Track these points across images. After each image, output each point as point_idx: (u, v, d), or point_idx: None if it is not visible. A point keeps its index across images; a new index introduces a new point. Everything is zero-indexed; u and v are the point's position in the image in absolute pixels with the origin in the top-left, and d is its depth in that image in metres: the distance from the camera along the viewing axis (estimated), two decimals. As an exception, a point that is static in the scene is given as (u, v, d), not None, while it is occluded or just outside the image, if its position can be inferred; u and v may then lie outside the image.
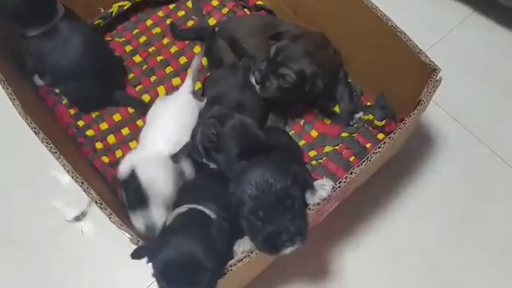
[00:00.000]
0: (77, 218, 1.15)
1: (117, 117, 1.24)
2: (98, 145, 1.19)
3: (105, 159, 1.17)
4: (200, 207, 0.88)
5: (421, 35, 1.06)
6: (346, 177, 0.84)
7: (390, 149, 0.94)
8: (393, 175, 1.19)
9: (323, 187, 0.83)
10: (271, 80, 1.11)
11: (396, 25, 0.99)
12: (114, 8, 1.33)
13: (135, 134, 1.20)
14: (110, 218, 0.84)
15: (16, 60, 1.15)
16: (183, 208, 0.89)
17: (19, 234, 1.15)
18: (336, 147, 1.16)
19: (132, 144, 1.20)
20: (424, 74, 0.95)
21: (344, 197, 0.99)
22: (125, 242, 0.85)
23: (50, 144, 0.91)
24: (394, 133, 0.88)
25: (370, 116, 1.15)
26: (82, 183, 0.87)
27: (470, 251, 1.11)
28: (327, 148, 1.16)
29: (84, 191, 0.87)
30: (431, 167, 1.21)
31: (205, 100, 1.15)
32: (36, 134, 0.92)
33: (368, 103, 1.22)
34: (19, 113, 0.95)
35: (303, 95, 1.13)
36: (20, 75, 1.15)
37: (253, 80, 1.13)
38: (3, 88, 0.97)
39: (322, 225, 1.08)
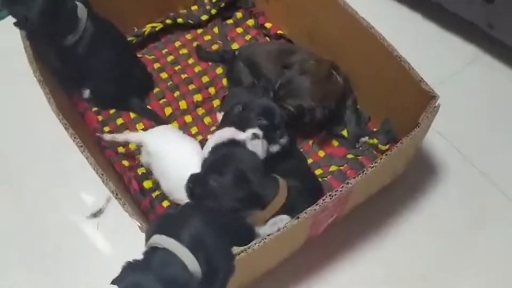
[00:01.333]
0: (95, 215, 1.23)
1: (139, 126, 1.34)
2: (120, 149, 1.29)
3: (125, 162, 1.26)
4: (178, 255, 0.82)
5: (432, 71, 1.12)
6: (342, 187, 0.91)
7: (388, 167, 1.00)
8: (394, 200, 1.23)
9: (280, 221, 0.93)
10: None
11: (400, 55, 1.07)
12: (147, 28, 1.46)
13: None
14: (124, 207, 0.92)
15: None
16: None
17: (36, 226, 1.23)
18: (341, 167, 1.23)
19: (151, 151, 1.30)
20: (424, 101, 1.02)
21: (341, 211, 1.05)
22: (136, 239, 0.91)
23: (77, 138, 1.00)
24: (391, 150, 0.95)
25: (375, 140, 1.22)
26: (102, 174, 0.96)
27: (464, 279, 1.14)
28: (333, 168, 1.23)
29: (103, 182, 0.95)
30: (432, 195, 1.25)
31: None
32: (66, 129, 1.02)
33: (375, 129, 1.28)
34: (53, 110, 1.05)
35: (306, 124, 1.21)
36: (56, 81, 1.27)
37: None
38: (41, 87, 1.08)
39: (322, 239, 1.14)
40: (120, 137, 1.22)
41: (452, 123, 1.35)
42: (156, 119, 1.33)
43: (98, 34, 1.23)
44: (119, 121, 1.35)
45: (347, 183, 0.91)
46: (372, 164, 0.93)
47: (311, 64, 1.23)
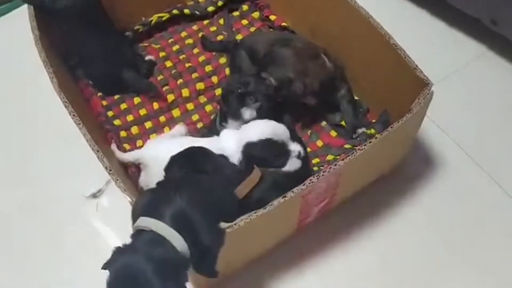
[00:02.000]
0: (94, 195, 1.26)
1: (142, 111, 1.37)
2: (123, 133, 1.32)
3: (126, 146, 1.29)
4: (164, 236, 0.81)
5: (436, 66, 1.12)
6: (330, 168, 0.92)
7: (379, 153, 1.01)
8: (391, 191, 1.23)
9: None
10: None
11: (397, 43, 1.08)
12: (154, 18, 1.49)
13: (156, 128, 1.34)
14: (116, 182, 0.95)
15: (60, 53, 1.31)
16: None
17: (40, 201, 1.27)
18: (338, 157, 1.23)
19: (152, 136, 1.32)
20: (419, 89, 1.02)
21: (333, 197, 1.05)
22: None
23: (76, 116, 1.03)
24: (381, 134, 0.95)
25: (372, 131, 1.22)
26: (98, 151, 0.99)
27: (462, 274, 1.14)
28: (329, 157, 1.24)
29: (98, 158, 0.98)
30: (429, 189, 1.25)
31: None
32: (66, 107, 1.05)
33: (373, 120, 1.29)
34: (55, 90, 1.09)
35: (286, 98, 1.22)
36: (63, 67, 1.31)
37: None
38: (44, 67, 1.12)
39: (316, 225, 1.15)
40: (119, 155, 1.20)
41: (454, 118, 1.35)
42: (152, 89, 1.36)
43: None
44: (123, 106, 1.38)
45: (335, 165, 0.92)
46: (361, 147, 0.94)
47: (298, 43, 1.26)
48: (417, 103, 0.98)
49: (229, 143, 1.08)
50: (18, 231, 1.25)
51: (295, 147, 1.09)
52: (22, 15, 1.24)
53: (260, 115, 1.16)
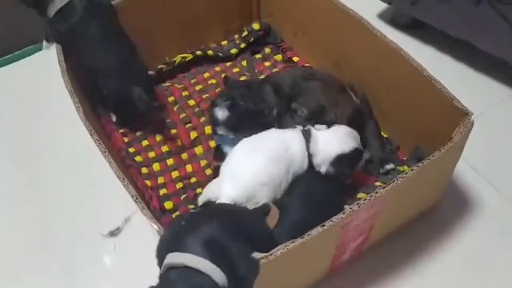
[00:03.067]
0: (112, 233, 1.20)
1: (164, 148, 1.33)
2: (144, 170, 1.28)
3: (148, 182, 1.24)
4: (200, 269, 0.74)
5: (473, 102, 1.08)
6: (371, 195, 0.86)
7: (419, 185, 0.96)
8: (424, 233, 1.16)
9: None
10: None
11: (431, 75, 1.05)
12: (178, 58, 1.50)
13: (178, 166, 1.30)
14: (142, 211, 0.89)
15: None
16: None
17: (55, 237, 1.21)
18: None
19: (174, 173, 1.28)
20: (458, 121, 0.99)
21: (370, 232, 0.99)
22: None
23: (101, 144, 1.00)
24: (423, 163, 0.90)
25: (405, 167, 1.17)
26: (123, 179, 0.94)
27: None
28: (360, 195, 1.18)
29: (124, 185, 0.93)
30: (464, 230, 1.18)
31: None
32: (91, 135, 1.02)
33: (404, 158, 1.24)
34: (80, 119, 1.06)
35: None
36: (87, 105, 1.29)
37: None
38: (70, 97, 1.10)
39: (346, 270, 1.07)
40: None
41: (485, 157, 1.30)
42: (153, 112, 1.32)
43: (86, 11, 1.20)
44: (145, 142, 1.35)
45: (376, 192, 0.86)
46: (402, 175, 0.89)
47: (324, 76, 1.26)
48: (458, 132, 0.94)
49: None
50: (30, 265, 1.17)
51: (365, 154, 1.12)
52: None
53: (234, 115, 1.13)
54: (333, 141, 1.07)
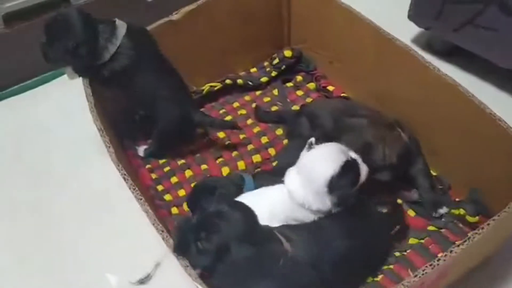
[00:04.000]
0: (142, 281, 1.10)
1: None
2: (174, 210, 1.19)
3: (178, 224, 1.15)
4: None
5: None
6: (445, 255, 0.77)
7: (493, 238, 0.87)
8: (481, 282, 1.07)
9: None
10: None
11: (494, 113, 0.97)
12: (206, 87, 1.42)
13: (211, 205, 1.20)
14: (186, 269, 0.80)
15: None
16: None
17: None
18: (422, 240, 1.08)
19: (206, 214, 1.19)
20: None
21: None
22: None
23: (136, 190, 0.91)
24: (499, 215, 0.81)
25: (461, 211, 1.08)
26: (162, 231, 0.85)
27: None
28: (412, 240, 1.09)
29: (163, 238, 0.84)
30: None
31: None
32: (125, 180, 0.93)
33: (457, 199, 1.15)
34: (112, 160, 0.97)
35: None
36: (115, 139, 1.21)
37: None
38: (101, 136, 1.02)
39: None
40: None
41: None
42: (229, 126, 1.30)
43: (137, 48, 1.15)
44: (174, 179, 1.26)
45: (450, 251, 0.77)
46: (478, 230, 0.80)
47: (368, 111, 1.18)
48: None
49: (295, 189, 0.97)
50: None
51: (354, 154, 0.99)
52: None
53: None
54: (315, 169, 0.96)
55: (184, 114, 1.22)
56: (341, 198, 0.95)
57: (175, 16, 1.27)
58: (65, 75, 1.53)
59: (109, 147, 0.98)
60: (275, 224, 0.95)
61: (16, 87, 1.56)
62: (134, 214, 1.10)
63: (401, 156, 1.11)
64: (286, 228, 0.94)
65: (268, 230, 0.87)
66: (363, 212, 1.02)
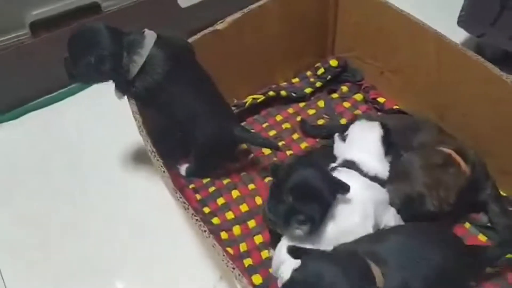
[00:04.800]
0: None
1: (243, 207, 1.16)
2: (223, 235, 1.10)
3: (230, 250, 1.07)
4: None
5: None
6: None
7: None
8: None
9: None
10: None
11: None
12: (248, 100, 1.33)
13: (262, 228, 1.10)
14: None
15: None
16: None
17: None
18: (497, 269, 1.00)
19: (257, 238, 1.10)
20: None
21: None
22: None
23: (199, 221, 0.83)
24: None
25: (539, 235, 1.00)
26: (233, 268, 0.76)
27: None
28: (490, 270, 1.00)
29: (235, 277, 0.76)
30: None
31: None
32: (185, 209, 0.85)
33: (531, 220, 1.07)
34: (167, 186, 0.89)
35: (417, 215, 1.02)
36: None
37: None
38: (153, 160, 0.93)
39: None
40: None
41: None
42: (270, 145, 1.21)
43: (170, 59, 1.05)
44: (220, 200, 1.17)
45: None
46: None
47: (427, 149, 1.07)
48: None
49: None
50: None
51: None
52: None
53: None
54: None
55: (223, 130, 1.13)
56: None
57: (220, 25, 1.18)
58: (92, 87, 1.49)
59: (164, 171, 0.89)
60: (369, 224, 0.95)
61: (42, 99, 1.47)
62: (181, 240, 1.04)
63: (462, 192, 1.01)
64: (371, 243, 0.86)
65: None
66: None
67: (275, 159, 1.25)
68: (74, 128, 1.39)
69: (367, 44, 1.32)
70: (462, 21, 1.41)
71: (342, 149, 1.09)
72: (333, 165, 1.06)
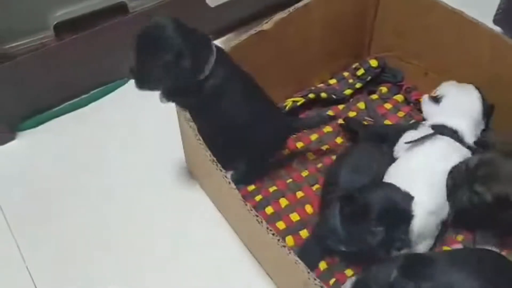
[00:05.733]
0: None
1: (294, 216, 1.11)
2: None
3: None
4: None
5: None
6: None
7: None
8: None
9: None
10: (463, 191, 0.98)
11: None
12: (288, 103, 1.28)
13: (315, 238, 1.06)
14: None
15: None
16: None
17: None
18: None
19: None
20: None
21: None
22: None
23: (276, 236, 0.77)
24: None
25: None
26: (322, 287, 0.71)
27: None
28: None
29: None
30: None
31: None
32: (259, 222, 0.79)
33: None
34: (235, 198, 0.83)
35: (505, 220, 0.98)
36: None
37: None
38: (216, 170, 0.87)
39: None
40: None
41: None
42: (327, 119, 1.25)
43: (226, 60, 1.01)
44: (269, 209, 1.12)
45: None
46: None
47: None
48: None
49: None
50: None
51: None
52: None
53: None
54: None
55: (280, 128, 1.12)
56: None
57: (265, 26, 1.12)
58: (114, 92, 1.42)
59: (229, 182, 0.83)
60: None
61: (64, 105, 1.39)
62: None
63: None
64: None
65: None
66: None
67: (319, 165, 1.20)
68: (98, 137, 1.31)
69: (410, 43, 1.28)
70: (498, 19, 1.38)
71: (434, 112, 1.08)
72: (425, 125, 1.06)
